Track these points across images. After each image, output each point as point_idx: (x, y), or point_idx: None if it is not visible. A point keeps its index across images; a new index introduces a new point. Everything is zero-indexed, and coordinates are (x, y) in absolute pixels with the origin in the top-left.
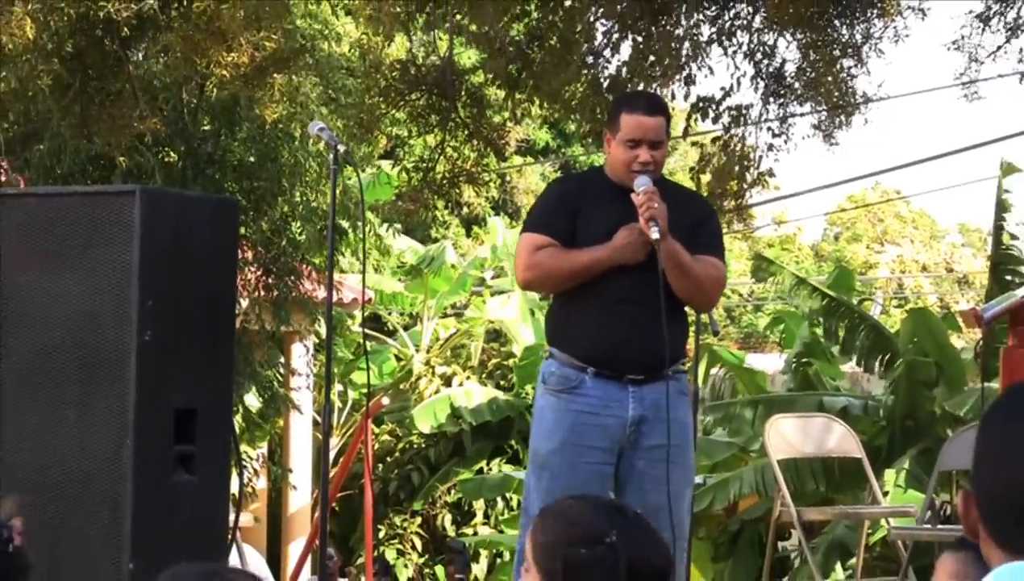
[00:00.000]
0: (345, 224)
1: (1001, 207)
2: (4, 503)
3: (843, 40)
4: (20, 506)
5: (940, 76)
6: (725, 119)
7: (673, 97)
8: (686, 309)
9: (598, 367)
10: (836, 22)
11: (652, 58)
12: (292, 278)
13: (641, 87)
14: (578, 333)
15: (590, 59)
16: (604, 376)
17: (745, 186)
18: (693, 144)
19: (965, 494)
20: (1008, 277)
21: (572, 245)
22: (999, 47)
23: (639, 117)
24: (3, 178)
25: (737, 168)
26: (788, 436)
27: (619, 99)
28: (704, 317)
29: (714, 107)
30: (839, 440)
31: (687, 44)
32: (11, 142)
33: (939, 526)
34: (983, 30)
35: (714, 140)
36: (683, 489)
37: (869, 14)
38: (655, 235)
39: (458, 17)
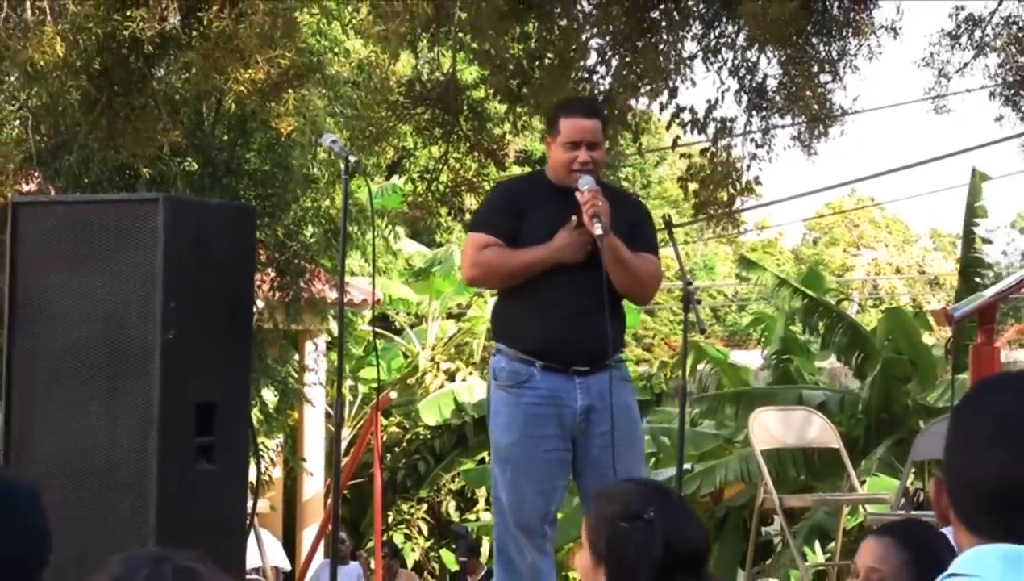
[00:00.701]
0: (353, 228)
1: (971, 212)
2: None
3: (821, 57)
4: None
5: (913, 90)
6: (711, 130)
7: (662, 109)
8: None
9: (545, 360)
10: (814, 40)
11: (639, 71)
12: (304, 279)
13: (632, 102)
14: (524, 329)
15: (585, 75)
16: (551, 369)
17: (735, 193)
18: (682, 155)
19: (937, 482)
20: (976, 279)
21: (516, 244)
22: (966, 64)
23: (577, 120)
24: (35, 187)
25: (721, 178)
26: (771, 428)
27: (557, 106)
28: (691, 316)
29: (701, 121)
30: (818, 432)
31: (673, 61)
32: (42, 153)
33: (912, 512)
34: (952, 47)
35: (702, 152)
36: (636, 466)
37: (845, 32)
38: (598, 231)
39: (460, 35)
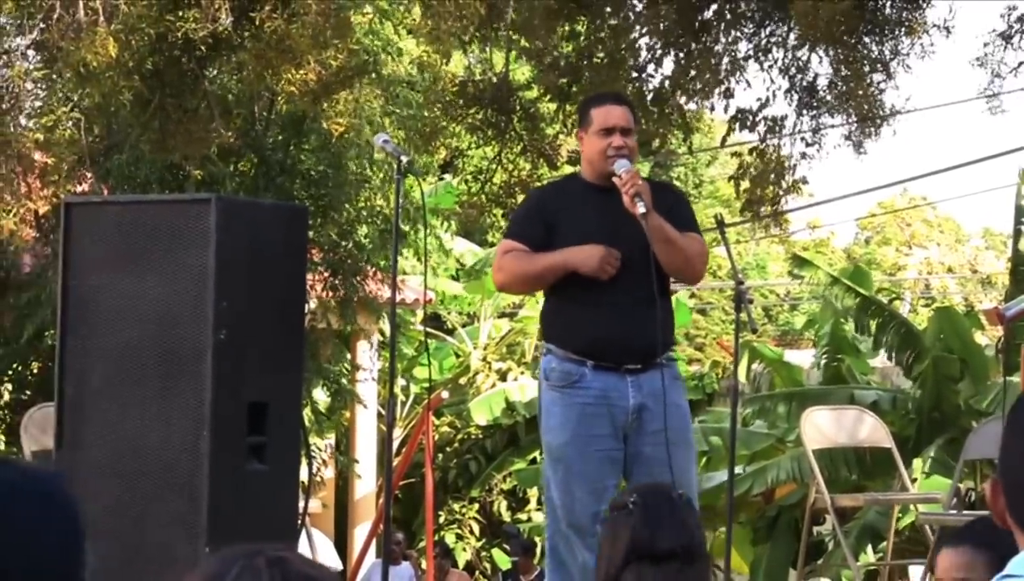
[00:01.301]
0: (406, 227)
1: (1019, 212)
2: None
3: (872, 56)
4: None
5: (964, 89)
6: (761, 129)
7: (712, 109)
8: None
9: (596, 360)
10: (866, 39)
11: (693, 73)
12: (357, 279)
13: (683, 101)
14: (574, 329)
15: (635, 74)
16: (602, 368)
17: (780, 193)
18: (732, 154)
19: (993, 482)
20: None
21: (548, 249)
22: (1020, 63)
23: (608, 107)
24: (87, 187)
25: (773, 175)
26: (822, 427)
27: (585, 100)
28: (743, 315)
29: (751, 118)
30: (870, 431)
31: (726, 60)
32: (95, 154)
33: (964, 512)
34: (1005, 47)
35: (751, 150)
36: (686, 467)
37: (897, 32)
38: (641, 209)
39: (511, 34)
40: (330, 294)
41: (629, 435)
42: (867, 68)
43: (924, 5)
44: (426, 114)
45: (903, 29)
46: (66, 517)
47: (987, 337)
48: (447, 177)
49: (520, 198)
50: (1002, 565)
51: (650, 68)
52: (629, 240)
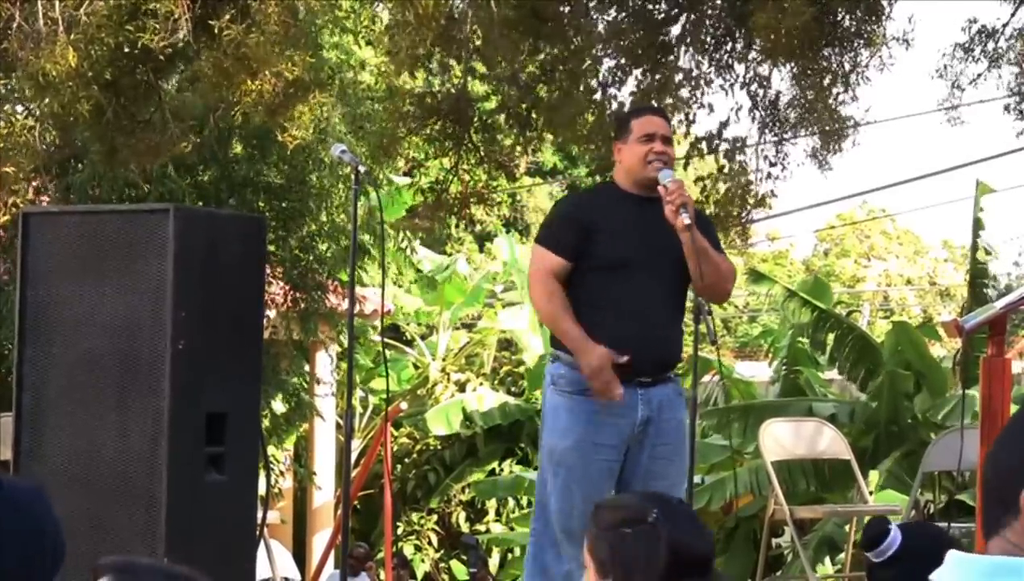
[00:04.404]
0: (368, 239)
1: (977, 225)
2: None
3: (832, 69)
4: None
5: (923, 101)
6: (724, 147)
7: (674, 132)
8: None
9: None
10: (826, 51)
11: (654, 96)
12: (319, 293)
13: None
14: (591, 336)
15: (598, 94)
16: None
17: (746, 212)
18: (696, 180)
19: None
20: (985, 290)
21: (586, 260)
22: (979, 75)
23: (648, 117)
24: (47, 198)
25: (737, 196)
26: (781, 439)
27: (623, 114)
28: (702, 327)
29: (715, 141)
30: (829, 443)
31: (688, 79)
32: (53, 165)
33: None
34: (966, 60)
35: (714, 172)
36: (679, 483)
37: (856, 44)
38: (686, 221)
39: (472, 44)
40: (291, 307)
41: (632, 447)
42: (827, 81)
43: (883, 18)
44: (386, 126)
45: (862, 41)
46: (32, 528)
47: (944, 349)
48: (398, 180)
49: (476, 209)
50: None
51: (611, 90)
52: (662, 251)
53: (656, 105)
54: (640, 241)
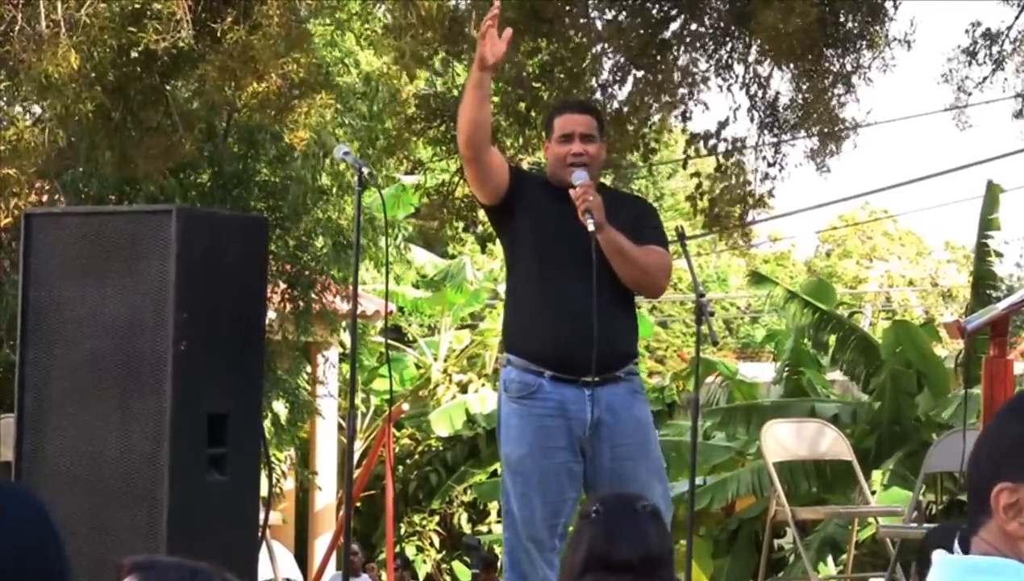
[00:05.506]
0: (366, 240)
1: (985, 225)
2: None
3: (834, 70)
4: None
5: (925, 101)
6: (721, 148)
7: (670, 132)
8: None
9: (554, 370)
10: (827, 52)
11: (651, 94)
12: (315, 291)
13: (638, 125)
14: (532, 337)
15: (597, 94)
16: (560, 379)
17: (746, 210)
18: (692, 175)
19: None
20: (988, 291)
21: (509, 219)
22: (984, 78)
23: (569, 115)
24: (44, 198)
25: (738, 191)
26: (783, 440)
27: (551, 110)
28: (704, 328)
29: (712, 138)
30: (831, 444)
31: (688, 78)
32: (55, 167)
33: (924, 524)
34: (970, 63)
35: (713, 170)
36: (651, 482)
37: (859, 45)
38: (591, 227)
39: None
40: (287, 306)
41: (586, 449)
42: (828, 82)
43: (885, 19)
44: (384, 126)
45: (864, 43)
46: (28, 528)
47: (946, 349)
48: (404, 179)
49: (481, 213)
50: None
51: (612, 89)
52: (588, 249)
53: (582, 99)
54: (571, 239)
